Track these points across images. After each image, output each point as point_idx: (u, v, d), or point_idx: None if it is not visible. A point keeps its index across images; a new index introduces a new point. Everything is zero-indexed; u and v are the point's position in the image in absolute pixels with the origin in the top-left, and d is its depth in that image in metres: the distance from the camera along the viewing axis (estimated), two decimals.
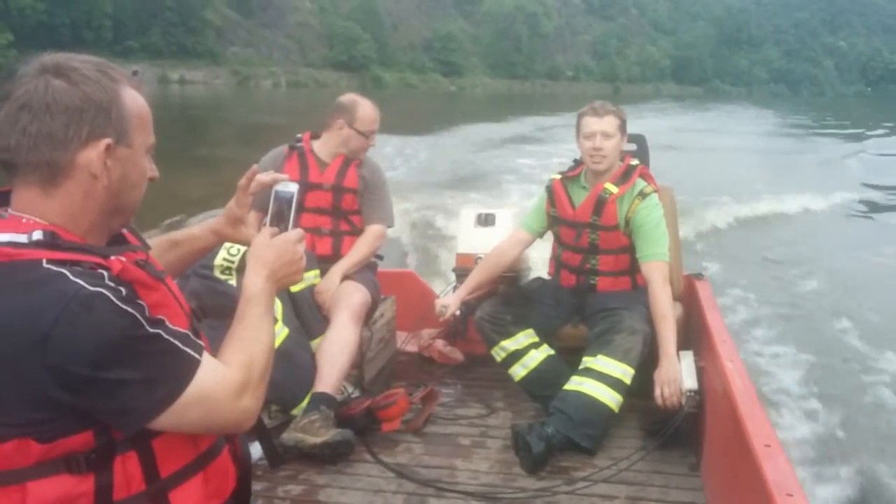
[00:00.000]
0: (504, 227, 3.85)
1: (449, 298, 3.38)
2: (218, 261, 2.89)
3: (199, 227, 1.65)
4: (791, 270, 8.46)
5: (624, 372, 2.93)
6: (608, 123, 3.09)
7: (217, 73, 60.29)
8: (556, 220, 3.29)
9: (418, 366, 3.81)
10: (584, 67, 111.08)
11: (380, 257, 3.55)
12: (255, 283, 1.35)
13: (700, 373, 2.84)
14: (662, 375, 2.85)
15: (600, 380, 2.91)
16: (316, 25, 76.33)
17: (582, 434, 2.86)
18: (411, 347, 3.87)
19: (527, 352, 3.19)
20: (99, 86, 1.16)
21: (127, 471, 1.15)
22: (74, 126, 1.14)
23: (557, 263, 3.34)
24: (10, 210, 1.18)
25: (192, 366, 1.17)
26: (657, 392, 2.83)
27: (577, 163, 3.30)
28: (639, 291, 3.15)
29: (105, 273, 1.12)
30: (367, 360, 3.31)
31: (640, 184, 3.16)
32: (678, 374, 2.83)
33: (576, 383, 2.95)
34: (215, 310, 2.52)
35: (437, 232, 8.40)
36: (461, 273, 3.71)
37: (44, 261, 1.09)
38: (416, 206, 9.77)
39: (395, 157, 15.28)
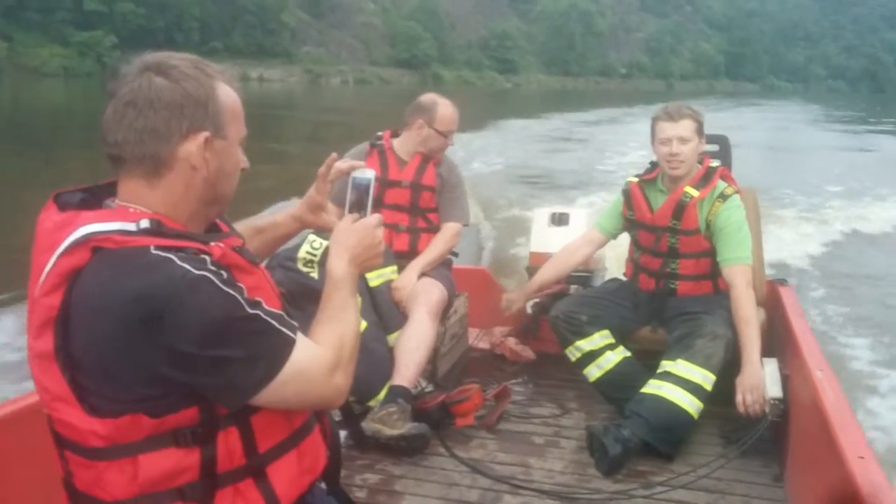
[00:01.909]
0: (578, 226, 3.69)
1: (515, 293, 3.24)
2: (301, 254, 2.84)
3: (281, 214, 1.64)
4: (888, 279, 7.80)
5: (704, 377, 2.74)
6: (684, 128, 2.89)
7: (291, 72, 61.24)
8: (633, 223, 3.11)
9: (490, 363, 3.68)
10: (638, 64, 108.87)
11: (455, 254, 3.45)
12: (339, 267, 1.36)
13: (785, 381, 2.65)
14: (745, 382, 2.65)
15: (680, 384, 2.74)
16: (380, 26, 76.78)
17: (660, 438, 2.69)
18: (483, 344, 3.76)
19: (602, 353, 3.02)
20: (197, 82, 1.18)
21: (229, 445, 1.17)
22: (176, 121, 1.16)
23: (635, 266, 3.16)
24: (117, 200, 1.21)
25: (289, 344, 1.18)
26: (739, 399, 2.64)
27: (654, 165, 3.11)
28: (720, 296, 2.95)
29: (207, 258, 1.13)
30: (441, 356, 3.22)
31: (721, 185, 2.96)
32: (762, 381, 2.63)
33: (654, 387, 2.77)
34: (297, 299, 2.49)
35: (511, 230, 8.21)
36: (534, 272, 3.57)
37: (151, 247, 1.10)
38: (491, 203, 9.58)
39: (464, 152, 15.13)
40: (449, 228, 3.28)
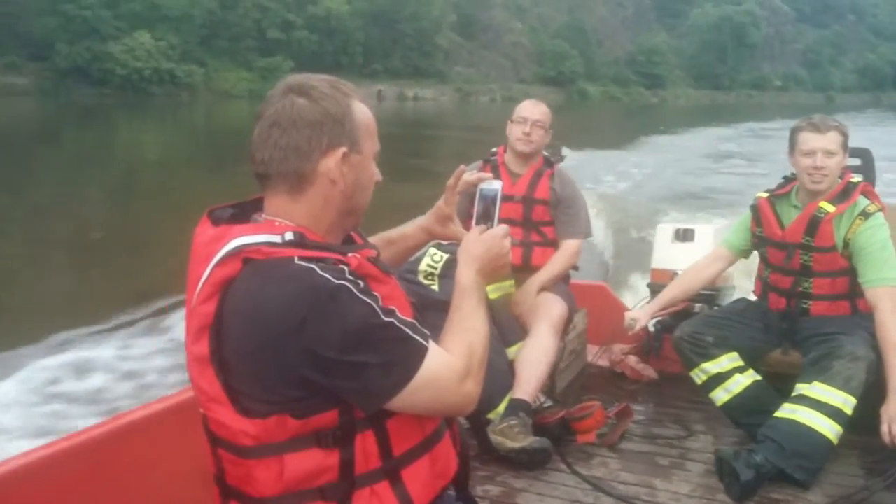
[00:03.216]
0: (703, 243, 3.46)
1: (639, 312, 3.07)
2: (422, 266, 2.82)
3: (410, 225, 1.64)
4: None
5: (844, 401, 2.47)
6: (830, 140, 2.63)
7: (444, 91, 62.53)
8: (762, 240, 2.87)
9: (609, 380, 3.49)
10: (794, 77, 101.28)
11: (576, 268, 3.31)
12: (467, 276, 1.34)
13: None
14: (891, 411, 2.38)
15: (817, 408, 2.48)
16: (527, 45, 76.70)
17: (795, 465, 2.44)
18: (602, 362, 3.57)
19: (730, 376, 2.78)
20: (334, 100, 1.21)
21: (366, 448, 1.18)
22: (316, 138, 1.19)
23: (765, 285, 2.91)
24: (263, 215, 1.25)
25: (422, 352, 1.18)
26: (884, 429, 2.37)
27: (788, 179, 2.86)
28: (859, 316, 2.66)
29: (345, 268, 1.15)
30: (559, 371, 3.09)
31: (862, 202, 2.67)
32: None
33: (788, 411, 2.53)
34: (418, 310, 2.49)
35: (633, 245, 7.88)
36: (655, 288, 3.39)
37: (295, 258, 1.13)
38: (612, 217, 9.27)
39: (591, 167, 14.77)
40: (569, 246, 3.14)
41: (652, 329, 3.42)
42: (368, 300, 1.13)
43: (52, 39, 39.30)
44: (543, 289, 3.05)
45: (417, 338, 1.18)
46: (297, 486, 1.16)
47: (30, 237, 10.09)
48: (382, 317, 1.14)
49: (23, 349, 5.59)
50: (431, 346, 1.20)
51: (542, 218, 3.15)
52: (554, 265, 3.10)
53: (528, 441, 2.57)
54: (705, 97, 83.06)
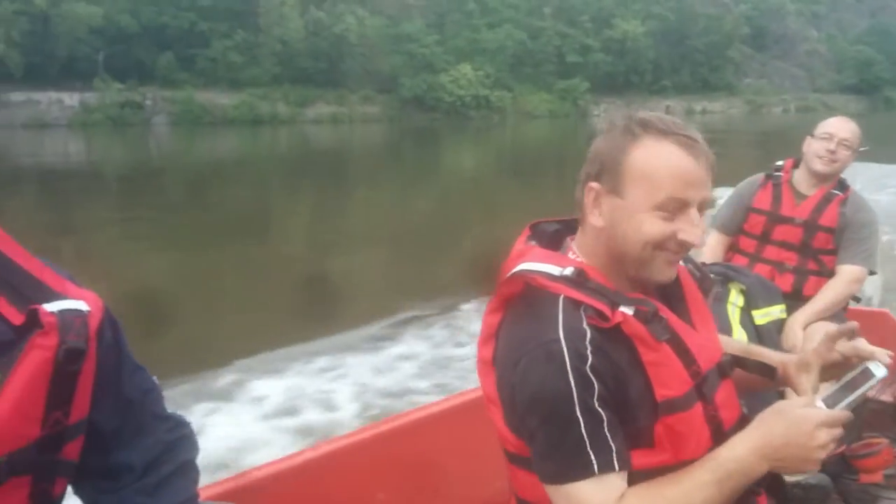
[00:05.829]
0: None
1: None
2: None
3: (775, 352, 1.31)
4: None
5: None
6: None
7: (733, 103, 57.57)
8: None
9: (894, 418, 2.91)
10: None
11: (856, 299, 2.70)
12: (737, 452, 0.99)
13: None
14: None
15: None
16: (824, 52, 66.70)
17: None
18: (886, 397, 2.91)
19: None
20: (613, 138, 1.07)
21: None
22: (587, 169, 1.10)
23: None
24: (570, 242, 1.14)
25: (585, 471, 0.97)
26: None
27: None
28: None
29: (588, 333, 1.00)
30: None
31: None
32: None
33: None
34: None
35: None
36: None
37: (562, 296, 1.03)
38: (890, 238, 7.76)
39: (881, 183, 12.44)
40: (848, 272, 2.53)
41: None
42: (575, 384, 0.97)
43: (397, 74, 44.15)
44: (811, 323, 2.53)
45: (592, 456, 0.97)
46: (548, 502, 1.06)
47: (367, 235, 11.10)
48: (576, 409, 0.97)
49: (352, 333, 6.09)
50: (608, 478, 0.97)
51: (824, 246, 2.58)
52: (824, 296, 2.53)
53: (803, 475, 2.23)
54: None
